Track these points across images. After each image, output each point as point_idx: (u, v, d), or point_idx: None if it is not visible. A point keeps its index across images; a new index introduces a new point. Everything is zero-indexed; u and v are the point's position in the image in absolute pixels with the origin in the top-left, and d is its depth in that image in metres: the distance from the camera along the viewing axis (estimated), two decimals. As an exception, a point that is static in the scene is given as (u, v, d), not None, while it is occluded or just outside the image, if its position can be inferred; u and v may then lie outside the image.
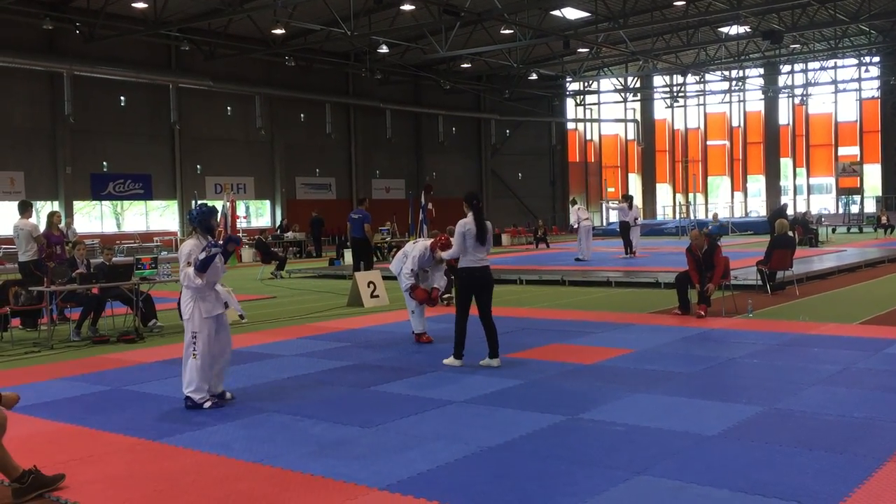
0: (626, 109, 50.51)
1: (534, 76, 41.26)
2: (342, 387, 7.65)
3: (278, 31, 30.44)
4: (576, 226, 22.49)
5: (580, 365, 8.37)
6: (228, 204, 17.67)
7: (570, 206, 23.78)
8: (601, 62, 44.07)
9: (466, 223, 8.32)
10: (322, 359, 9.10)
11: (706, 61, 40.66)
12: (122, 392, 7.73)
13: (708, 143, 50.83)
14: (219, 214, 7.27)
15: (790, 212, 33.43)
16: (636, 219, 22.37)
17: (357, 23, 27.23)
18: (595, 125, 51.04)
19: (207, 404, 6.87)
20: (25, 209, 12.70)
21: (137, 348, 10.29)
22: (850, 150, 47.15)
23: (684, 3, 29.83)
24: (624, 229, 22.22)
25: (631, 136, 51.02)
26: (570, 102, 49.99)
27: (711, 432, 5.78)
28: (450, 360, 8.49)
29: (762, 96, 48.50)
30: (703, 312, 11.33)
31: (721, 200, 50.51)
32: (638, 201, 40.26)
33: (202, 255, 6.81)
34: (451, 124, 44.54)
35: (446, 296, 13.75)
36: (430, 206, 20.44)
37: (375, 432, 6.06)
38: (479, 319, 8.45)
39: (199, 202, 7.42)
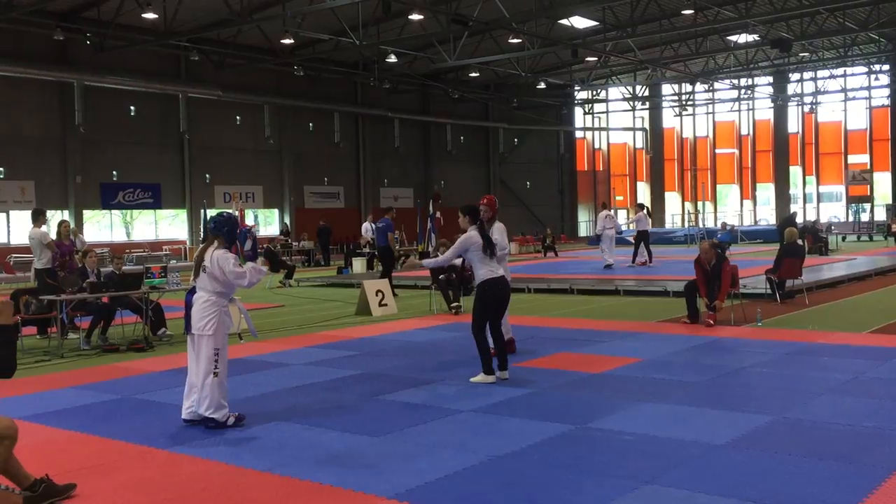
0: (634, 118, 50.51)
1: (542, 85, 41.35)
2: (351, 396, 7.67)
3: (287, 41, 30.61)
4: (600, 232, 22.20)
5: (588, 374, 8.36)
6: (237, 213, 17.84)
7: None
8: (609, 71, 44.07)
9: (472, 237, 8.07)
10: (331, 367, 9.12)
11: (715, 70, 40.65)
12: (132, 401, 7.76)
13: (717, 151, 50.76)
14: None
15: (799, 220, 33.37)
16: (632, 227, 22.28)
17: (366, 32, 27.34)
18: (603, 134, 51.05)
19: (231, 420, 6.57)
20: (37, 217, 12.78)
21: (147, 357, 10.33)
22: (859, 159, 47.00)
23: (693, 11, 29.84)
24: (642, 238, 22.08)
25: (639, 144, 51.00)
26: (578, 111, 50.05)
27: (720, 442, 5.77)
28: (479, 378, 8.00)
29: (771, 104, 48.43)
30: (712, 321, 11.31)
31: (730, 209, 50.40)
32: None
33: (248, 246, 6.67)
34: (459, 133, 44.62)
35: (455, 304, 13.76)
36: (438, 214, 20.52)
37: (384, 441, 6.07)
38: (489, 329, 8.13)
39: (222, 212, 7.22)
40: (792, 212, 31.04)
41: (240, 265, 6.60)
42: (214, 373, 6.46)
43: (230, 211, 7.41)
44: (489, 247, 8.05)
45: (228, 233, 6.70)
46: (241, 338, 6.73)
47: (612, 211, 23.07)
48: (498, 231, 8.90)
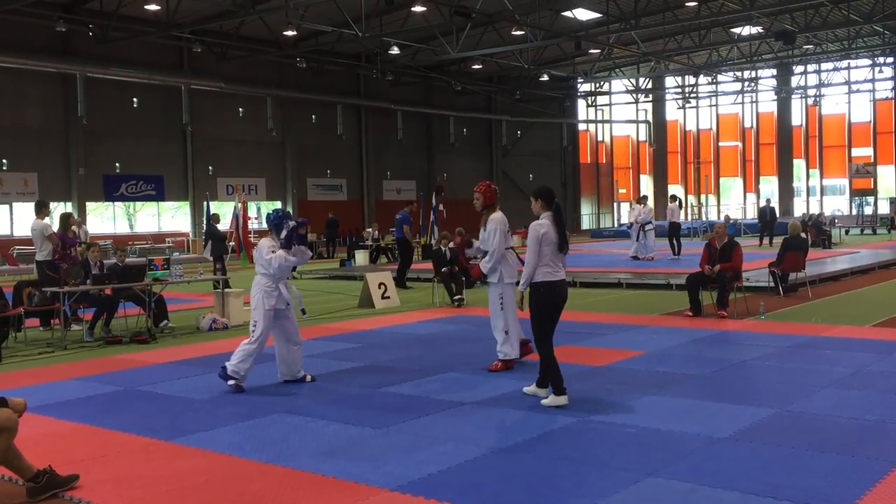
0: (637, 110, 50.40)
1: (545, 77, 41.21)
2: (353, 388, 7.67)
3: (290, 33, 30.51)
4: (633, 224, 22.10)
5: (591, 367, 8.36)
6: (240, 205, 17.79)
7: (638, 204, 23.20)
8: (613, 63, 43.98)
9: (543, 225, 6.86)
10: (333, 360, 9.13)
11: (718, 62, 40.53)
12: (134, 392, 7.77)
13: (720, 144, 50.67)
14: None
15: (799, 213, 33.15)
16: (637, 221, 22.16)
17: (368, 24, 27.28)
18: (606, 126, 50.95)
19: (231, 382, 7.50)
20: (40, 209, 12.79)
21: (149, 349, 10.35)
22: (863, 151, 46.89)
23: (696, 3, 29.74)
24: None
25: (643, 137, 50.92)
26: (581, 103, 49.94)
27: (723, 434, 5.76)
28: (550, 399, 6.72)
29: (775, 97, 48.31)
30: (724, 313, 11.33)
31: (733, 202, 50.33)
32: (650, 202, 39.98)
33: (283, 234, 7.62)
34: (462, 125, 44.55)
35: (457, 297, 13.74)
36: (441, 207, 20.51)
37: (386, 433, 6.07)
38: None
39: (275, 208, 8.31)
40: (766, 201, 30.57)
41: (272, 252, 7.66)
42: (249, 339, 7.58)
43: (279, 208, 8.29)
44: (562, 240, 6.87)
45: (276, 227, 7.77)
46: (304, 312, 8.07)
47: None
48: (494, 222, 8.47)
